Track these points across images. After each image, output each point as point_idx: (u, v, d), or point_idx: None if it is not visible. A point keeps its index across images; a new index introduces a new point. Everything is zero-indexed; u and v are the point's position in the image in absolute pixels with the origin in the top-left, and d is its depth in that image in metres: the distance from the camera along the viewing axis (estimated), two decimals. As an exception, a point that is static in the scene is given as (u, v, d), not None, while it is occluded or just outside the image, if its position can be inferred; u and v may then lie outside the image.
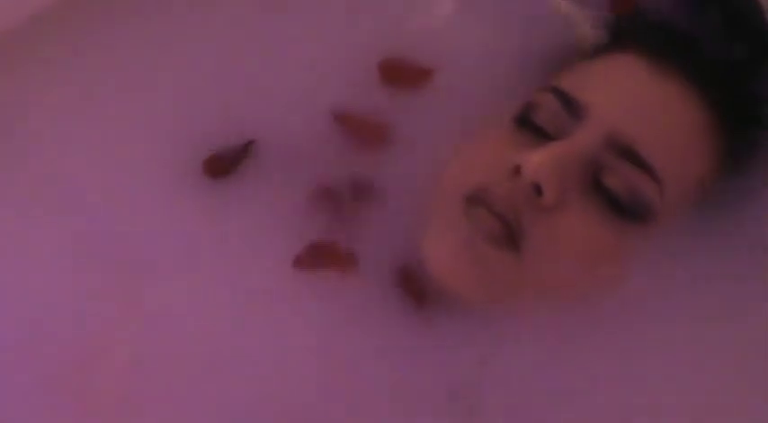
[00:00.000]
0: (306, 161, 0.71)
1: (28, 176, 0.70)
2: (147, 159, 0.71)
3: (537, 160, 0.61)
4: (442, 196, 0.65)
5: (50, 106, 0.72)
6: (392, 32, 0.75)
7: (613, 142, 0.63)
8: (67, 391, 0.64)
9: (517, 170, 0.62)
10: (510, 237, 0.61)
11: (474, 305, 0.65)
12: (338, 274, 0.67)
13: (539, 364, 0.65)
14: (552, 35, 0.74)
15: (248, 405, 0.64)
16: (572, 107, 0.64)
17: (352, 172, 0.70)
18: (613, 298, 0.66)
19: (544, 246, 0.62)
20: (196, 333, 0.66)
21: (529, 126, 0.66)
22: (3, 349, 0.65)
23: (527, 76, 0.72)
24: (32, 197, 0.70)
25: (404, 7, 0.76)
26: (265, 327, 0.66)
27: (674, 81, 0.65)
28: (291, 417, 0.64)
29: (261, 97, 0.73)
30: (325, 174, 0.70)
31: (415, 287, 0.66)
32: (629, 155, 0.63)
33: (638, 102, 0.65)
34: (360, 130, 0.72)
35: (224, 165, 0.70)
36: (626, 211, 0.63)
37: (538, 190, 0.61)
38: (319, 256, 0.68)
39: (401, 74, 0.74)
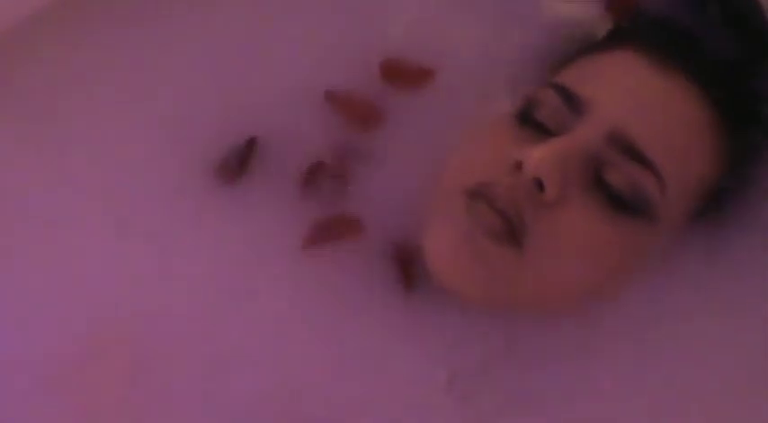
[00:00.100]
0: (308, 156, 0.71)
1: (28, 176, 0.70)
2: (147, 159, 0.71)
3: (538, 156, 0.61)
4: (443, 191, 0.65)
5: (50, 106, 0.72)
6: (392, 32, 0.76)
7: (615, 138, 0.63)
8: (67, 391, 0.64)
9: (518, 166, 0.62)
10: (511, 232, 0.61)
11: (474, 302, 0.65)
12: (349, 242, 0.68)
13: (538, 358, 0.66)
14: (552, 34, 0.75)
15: (248, 405, 0.64)
16: (573, 103, 0.64)
17: (348, 141, 0.71)
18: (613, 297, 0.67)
19: (545, 241, 0.62)
20: (196, 333, 0.66)
21: (530, 122, 0.65)
22: (3, 349, 0.65)
23: (527, 76, 0.72)
24: (32, 197, 0.70)
25: (404, 7, 0.77)
26: (265, 326, 0.66)
27: (675, 78, 0.65)
28: (291, 417, 0.64)
29: (261, 97, 0.73)
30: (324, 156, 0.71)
31: (407, 270, 0.67)
32: (631, 151, 0.63)
33: (639, 98, 0.65)
34: (354, 111, 0.72)
35: (235, 168, 0.70)
36: (627, 207, 0.63)
37: (539, 185, 0.61)
38: (327, 230, 0.68)
39: (401, 74, 0.74)
